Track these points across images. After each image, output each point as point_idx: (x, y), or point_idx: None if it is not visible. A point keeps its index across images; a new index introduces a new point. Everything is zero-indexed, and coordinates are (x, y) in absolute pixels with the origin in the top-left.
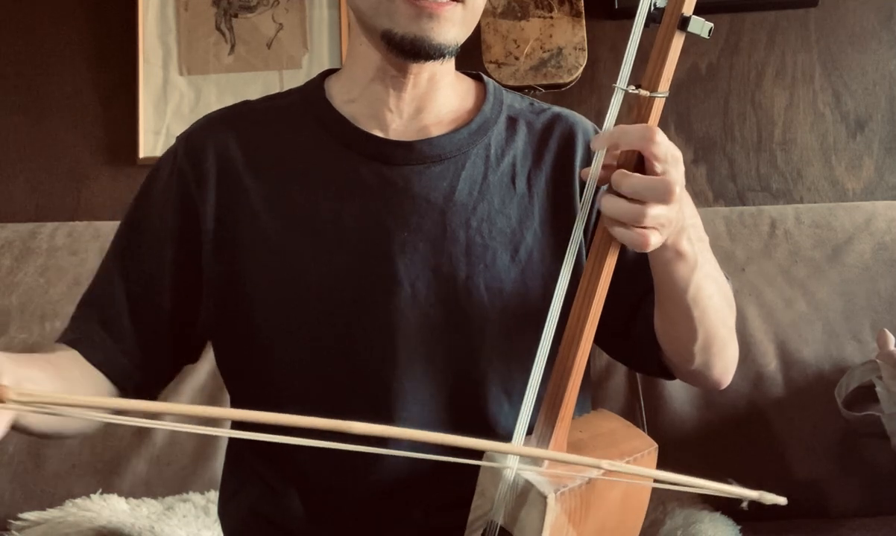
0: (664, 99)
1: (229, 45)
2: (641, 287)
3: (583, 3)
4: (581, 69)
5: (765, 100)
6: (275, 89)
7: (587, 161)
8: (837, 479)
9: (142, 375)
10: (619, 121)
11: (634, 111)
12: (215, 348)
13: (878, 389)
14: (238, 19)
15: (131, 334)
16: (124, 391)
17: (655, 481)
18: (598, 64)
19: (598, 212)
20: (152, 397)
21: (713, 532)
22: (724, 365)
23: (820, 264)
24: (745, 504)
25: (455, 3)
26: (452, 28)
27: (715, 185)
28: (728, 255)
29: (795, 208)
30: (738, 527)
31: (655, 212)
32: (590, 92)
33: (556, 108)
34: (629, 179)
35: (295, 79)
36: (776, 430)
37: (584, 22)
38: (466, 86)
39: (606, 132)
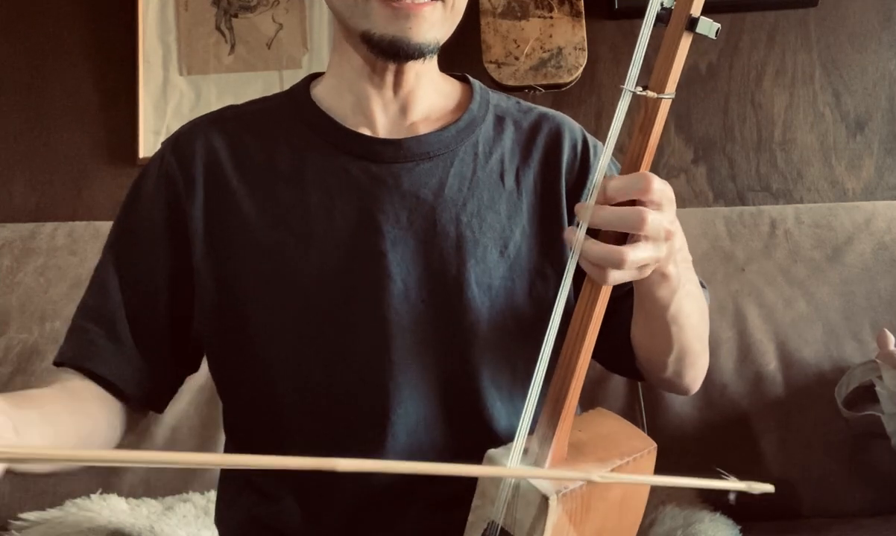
0: (671, 100)
1: (229, 45)
2: (620, 288)
3: (583, 3)
4: (581, 69)
5: (765, 100)
6: (275, 89)
7: (573, 161)
8: (837, 479)
9: (148, 384)
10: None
11: (641, 112)
12: (208, 353)
13: (878, 389)
14: (238, 19)
15: (131, 343)
16: (131, 403)
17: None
18: (598, 64)
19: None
20: (159, 409)
21: (713, 532)
22: (695, 375)
23: (820, 264)
24: (732, 497)
25: (434, 1)
26: (431, 28)
27: (715, 185)
28: (728, 255)
29: (795, 208)
30: (738, 527)
31: (639, 254)
32: (590, 92)
33: (542, 108)
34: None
35: (295, 79)
36: (776, 430)
37: (584, 22)
38: (451, 85)
39: (602, 187)
